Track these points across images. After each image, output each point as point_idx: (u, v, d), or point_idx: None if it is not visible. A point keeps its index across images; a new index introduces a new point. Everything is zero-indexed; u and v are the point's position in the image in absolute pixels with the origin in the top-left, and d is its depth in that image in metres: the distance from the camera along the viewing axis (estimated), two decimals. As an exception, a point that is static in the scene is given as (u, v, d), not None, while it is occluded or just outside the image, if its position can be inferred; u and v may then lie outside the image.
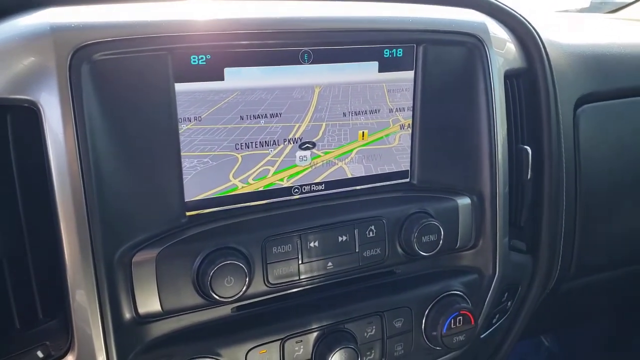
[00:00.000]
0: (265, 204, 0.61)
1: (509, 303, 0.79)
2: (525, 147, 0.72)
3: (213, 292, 0.53)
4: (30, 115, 0.48)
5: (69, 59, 0.47)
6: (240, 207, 0.60)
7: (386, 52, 0.63)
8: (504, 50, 0.70)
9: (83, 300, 0.49)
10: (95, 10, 0.51)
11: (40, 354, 0.49)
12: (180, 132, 0.55)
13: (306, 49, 0.58)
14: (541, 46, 0.74)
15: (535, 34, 0.75)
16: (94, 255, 0.49)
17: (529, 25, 0.75)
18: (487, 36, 0.66)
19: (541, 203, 0.77)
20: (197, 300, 0.55)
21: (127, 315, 0.52)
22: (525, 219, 0.77)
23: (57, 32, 0.47)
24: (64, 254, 0.49)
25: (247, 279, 0.54)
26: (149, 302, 0.53)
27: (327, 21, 0.59)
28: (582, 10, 1.59)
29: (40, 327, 0.51)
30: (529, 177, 0.73)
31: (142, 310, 0.53)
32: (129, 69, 0.50)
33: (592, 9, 1.66)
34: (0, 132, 0.48)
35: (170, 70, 0.52)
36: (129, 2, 0.54)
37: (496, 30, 0.70)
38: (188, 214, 0.57)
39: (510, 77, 0.71)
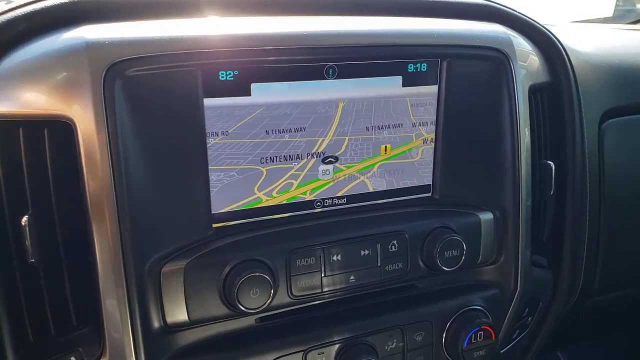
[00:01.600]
0: (289, 216, 0.62)
1: (530, 318, 0.78)
2: (549, 162, 0.72)
3: (239, 303, 0.54)
4: (66, 128, 0.50)
5: (103, 74, 0.48)
6: (265, 220, 0.61)
7: (410, 66, 0.63)
8: (528, 64, 0.70)
9: (114, 309, 0.51)
10: (128, 27, 0.52)
11: (73, 360, 0.51)
12: (208, 146, 0.56)
13: (331, 64, 0.59)
14: (566, 60, 0.74)
15: (560, 47, 0.74)
16: (125, 266, 0.51)
17: (554, 39, 0.74)
18: (511, 50, 0.66)
19: (564, 219, 0.76)
20: (223, 310, 0.56)
21: (156, 324, 0.54)
22: (547, 235, 0.76)
23: (91, 49, 0.49)
24: (96, 263, 0.50)
25: (272, 291, 0.55)
26: (177, 312, 0.55)
27: (352, 36, 0.59)
28: (605, 20, 1.56)
29: (74, 334, 0.53)
30: (552, 192, 0.73)
31: (170, 319, 0.54)
32: (159, 84, 0.52)
33: (616, 17, 1.64)
34: (37, 146, 0.50)
35: (200, 85, 0.54)
36: (160, 19, 0.56)
37: (521, 44, 0.70)
38: (214, 225, 0.58)
39: (534, 91, 0.71)
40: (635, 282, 0.92)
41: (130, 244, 0.51)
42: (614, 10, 1.66)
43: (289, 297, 0.59)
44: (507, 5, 0.74)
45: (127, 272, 0.51)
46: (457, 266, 0.64)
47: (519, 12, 0.74)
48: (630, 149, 0.82)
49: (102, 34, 0.50)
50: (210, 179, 0.57)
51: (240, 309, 0.54)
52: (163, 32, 0.52)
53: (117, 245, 0.50)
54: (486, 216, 0.68)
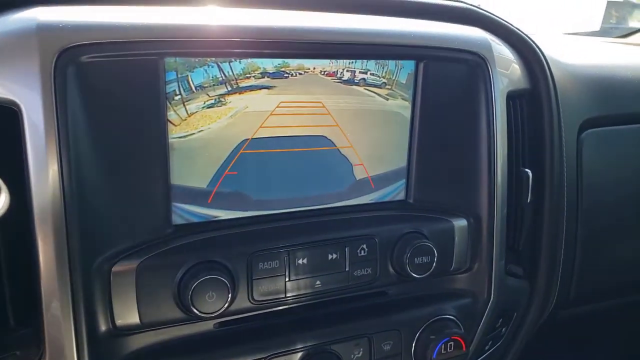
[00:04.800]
0: (254, 216, 0.59)
1: (504, 329, 0.76)
2: (526, 170, 0.70)
3: (194, 307, 0.51)
4: (12, 115, 0.46)
5: (54, 60, 0.46)
6: (228, 220, 0.58)
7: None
8: (507, 70, 0.69)
9: (57, 309, 0.48)
10: (86, 10, 0.50)
11: (9, 364, 0.47)
12: (169, 141, 0.53)
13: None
14: (546, 67, 0.72)
15: (540, 54, 0.73)
16: (70, 263, 0.48)
17: (533, 45, 0.73)
18: (490, 55, 0.65)
19: (540, 227, 0.74)
20: (178, 314, 0.53)
21: (103, 327, 0.50)
22: (523, 243, 0.74)
23: (43, 32, 0.46)
24: (38, 260, 0.47)
25: (230, 296, 0.52)
26: (127, 314, 0.51)
27: (326, 33, 0.57)
28: (592, 34, 1.57)
29: (12, 336, 0.49)
30: (528, 200, 0.71)
31: (119, 322, 0.51)
32: (118, 74, 0.49)
33: (603, 33, 1.65)
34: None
35: (162, 77, 0.51)
36: (122, 5, 0.53)
37: (500, 49, 0.69)
38: (174, 223, 0.55)
39: (513, 97, 0.69)
40: (611, 293, 0.91)
41: (77, 240, 0.48)
42: (601, 26, 1.68)
43: (250, 301, 0.56)
44: (488, 10, 0.73)
45: (73, 270, 0.48)
46: (427, 273, 0.62)
47: (499, 17, 0.73)
48: (609, 160, 0.81)
49: (56, 17, 0.47)
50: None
51: (195, 313, 0.51)
52: (124, 17, 0.50)
53: (62, 241, 0.47)
54: (460, 222, 0.66)
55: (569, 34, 1.51)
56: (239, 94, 0.55)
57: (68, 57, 0.46)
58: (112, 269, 0.50)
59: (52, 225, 0.46)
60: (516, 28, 0.73)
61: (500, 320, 0.74)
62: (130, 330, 0.52)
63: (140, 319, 0.52)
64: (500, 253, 0.68)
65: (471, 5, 0.71)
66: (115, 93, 0.49)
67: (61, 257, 0.47)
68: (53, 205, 0.46)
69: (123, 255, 0.51)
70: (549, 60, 0.73)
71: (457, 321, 0.66)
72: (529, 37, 0.73)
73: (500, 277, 0.69)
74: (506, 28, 0.72)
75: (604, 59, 0.91)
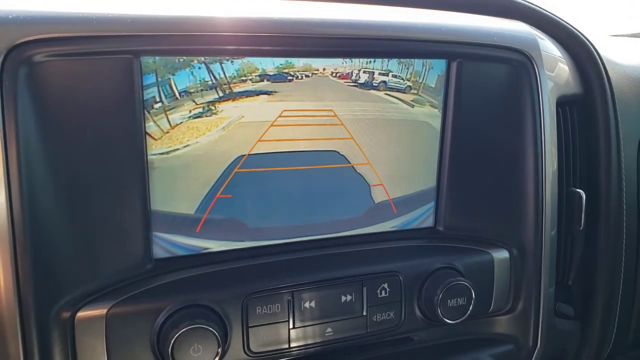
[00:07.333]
0: (250, 248, 0.50)
1: (551, 380, 0.66)
2: (578, 190, 0.61)
3: (175, 363, 0.42)
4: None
5: (1, 59, 0.38)
6: (220, 252, 0.49)
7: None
8: (556, 71, 0.60)
9: (5, 366, 0.39)
10: (43, 0, 0.41)
11: None
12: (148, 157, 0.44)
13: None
14: (602, 69, 0.64)
15: (594, 53, 0.63)
16: (21, 310, 0.40)
17: (587, 42, 0.64)
18: (537, 53, 0.56)
19: (594, 258, 0.65)
20: (157, 369, 0.44)
21: (63, 387, 0.42)
22: (574, 278, 0.65)
23: (-12, 25, 0.38)
24: (-20, 308, 0.38)
25: (220, 349, 0.43)
26: (95, 370, 0.43)
27: (338, 26, 0.48)
28: (634, 36, 1.46)
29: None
30: (581, 227, 0.62)
31: (84, 379, 0.43)
32: (82, 77, 0.41)
33: (645, 37, 1.54)
34: None
35: (137, 79, 0.42)
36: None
37: (548, 47, 0.60)
38: (155, 257, 0.46)
39: (562, 104, 0.61)
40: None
41: (31, 281, 0.39)
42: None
43: (246, 354, 0.47)
44: (534, 3, 0.63)
45: (24, 318, 0.40)
46: (462, 317, 0.53)
47: (547, 11, 0.64)
48: (676, 177, 0.70)
49: (4, 6, 0.39)
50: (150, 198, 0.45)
51: (176, 370, 0.42)
52: (89, 7, 0.41)
53: (10, 283, 0.39)
54: (501, 254, 0.57)
55: (616, 35, 1.40)
56: (233, 100, 0.46)
57: (19, 55, 0.38)
58: (77, 315, 0.42)
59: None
60: (567, 23, 0.63)
61: (548, 369, 0.64)
62: (97, 389, 0.43)
63: (110, 376, 0.43)
64: (549, 290, 0.59)
65: (514, -5, 0.61)
66: (79, 101, 0.41)
67: (9, 302, 0.39)
68: (-1, 240, 0.38)
69: (90, 299, 0.43)
70: (604, 61, 0.64)
71: (497, 374, 0.56)
72: (581, 33, 0.63)
73: (548, 319, 0.60)
74: (554, 22, 0.63)
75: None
